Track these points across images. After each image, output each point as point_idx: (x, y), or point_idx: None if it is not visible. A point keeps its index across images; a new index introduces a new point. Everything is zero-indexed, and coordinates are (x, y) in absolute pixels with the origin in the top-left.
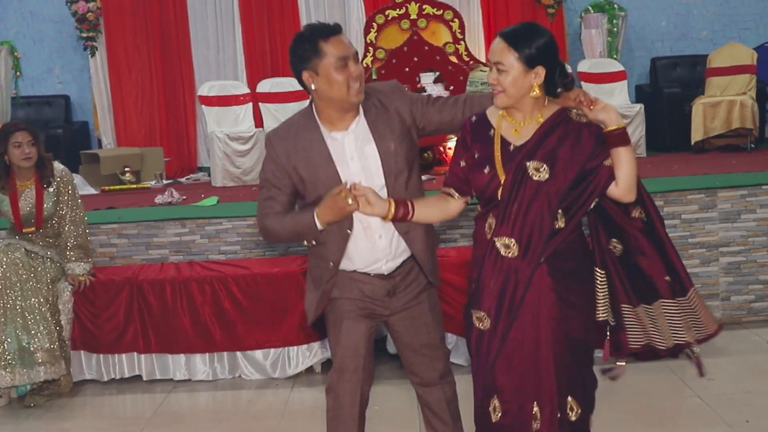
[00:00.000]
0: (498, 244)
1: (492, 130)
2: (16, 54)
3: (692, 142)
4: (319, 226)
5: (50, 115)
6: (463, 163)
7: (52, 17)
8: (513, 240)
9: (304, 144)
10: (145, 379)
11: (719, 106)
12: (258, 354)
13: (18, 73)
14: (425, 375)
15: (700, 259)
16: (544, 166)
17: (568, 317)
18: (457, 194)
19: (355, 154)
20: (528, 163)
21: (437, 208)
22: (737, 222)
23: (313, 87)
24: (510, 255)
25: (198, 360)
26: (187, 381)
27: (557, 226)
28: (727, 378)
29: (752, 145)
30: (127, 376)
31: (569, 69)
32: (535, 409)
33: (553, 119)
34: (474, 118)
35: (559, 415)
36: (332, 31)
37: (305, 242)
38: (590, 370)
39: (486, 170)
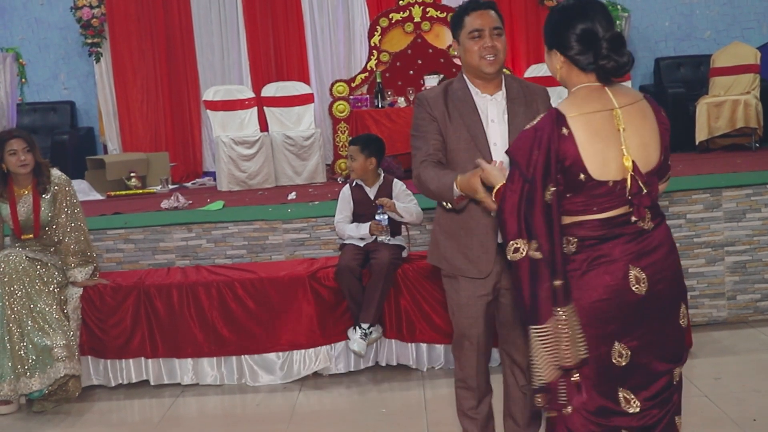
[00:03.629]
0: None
1: None
2: (21, 60)
3: (697, 142)
4: (456, 191)
5: (56, 121)
6: None
7: (57, 24)
8: None
9: (453, 96)
10: (152, 383)
11: (723, 106)
12: (266, 358)
13: (23, 80)
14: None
15: (705, 259)
16: None
17: None
18: None
19: (496, 118)
20: None
21: None
22: (742, 221)
23: (457, 53)
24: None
25: (205, 364)
26: (194, 385)
27: None
28: (734, 377)
29: (757, 144)
30: (134, 381)
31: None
32: None
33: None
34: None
35: None
36: (477, 6)
37: (445, 204)
38: None
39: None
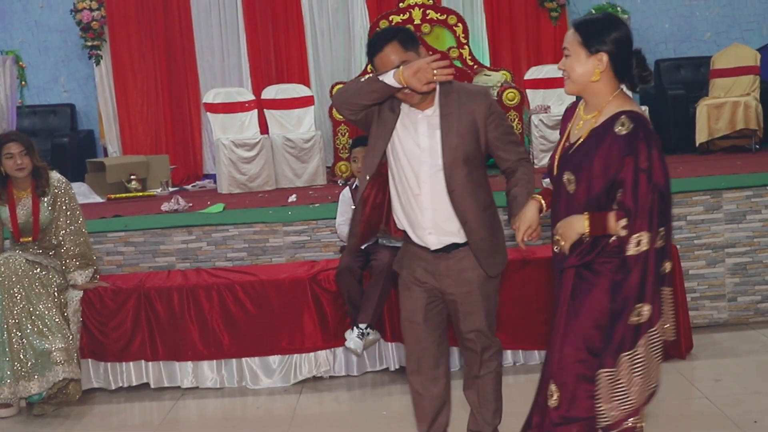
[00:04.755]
0: (555, 239)
1: (570, 122)
2: (21, 63)
3: (697, 144)
4: (393, 82)
5: (56, 124)
6: None
7: (57, 26)
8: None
9: (393, 105)
10: (153, 386)
11: (723, 108)
12: (266, 360)
13: (23, 83)
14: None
15: (706, 261)
16: (574, 177)
17: None
18: None
19: (426, 132)
20: (564, 173)
21: None
22: (743, 223)
23: None
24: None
25: (206, 367)
26: (195, 388)
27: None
28: (735, 379)
29: (757, 146)
30: (135, 384)
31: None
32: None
33: (604, 126)
34: (571, 105)
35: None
36: (376, 48)
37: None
38: None
39: (551, 160)
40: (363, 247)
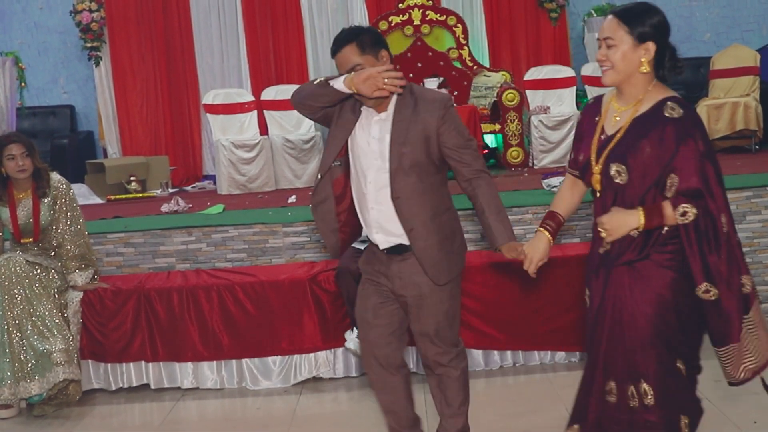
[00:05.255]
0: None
1: (598, 117)
2: (20, 65)
3: None
4: (343, 88)
5: (55, 125)
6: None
7: (57, 28)
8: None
9: (354, 106)
10: (153, 387)
11: (723, 108)
12: (266, 361)
13: (23, 84)
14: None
15: None
16: (624, 168)
17: None
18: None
19: (377, 135)
20: (611, 165)
21: (573, 194)
22: (743, 223)
23: None
24: (603, 251)
25: (206, 368)
26: (195, 389)
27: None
28: None
29: (757, 147)
30: (135, 384)
31: (572, 72)
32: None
33: (651, 112)
34: (592, 100)
35: None
36: (334, 51)
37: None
38: None
39: (581, 156)
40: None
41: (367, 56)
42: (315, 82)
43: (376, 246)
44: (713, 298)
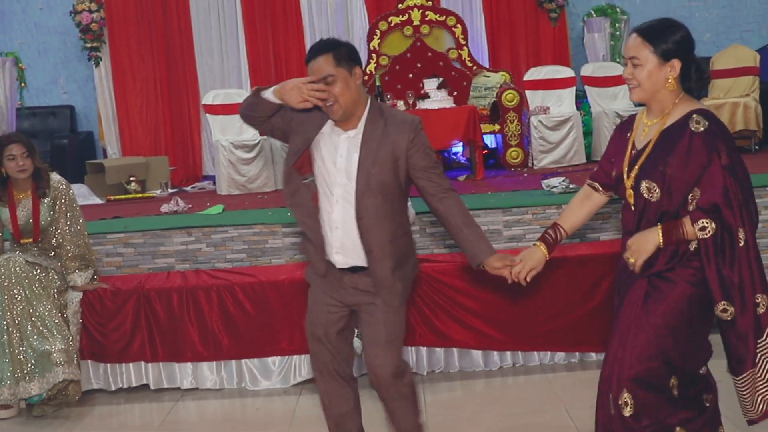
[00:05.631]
0: (625, 257)
1: (630, 132)
2: (20, 65)
3: None
4: (272, 98)
5: (55, 126)
6: (612, 159)
7: (57, 28)
8: None
9: (317, 119)
10: (152, 388)
11: (723, 108)
12: (265, 362)
13: (23, 84)
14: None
15: None
16: (654, 185)
17: None
18: (601, 188)
19: (345, 154)
20: (642, 182)
21: (582, 208)
22: None
23: None
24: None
25: (205, 368)
26: (194, 389)
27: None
28: None
29: (756, 147)
30: (134, 385)
31: (572, 72)
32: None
33: (678, 125)
34: (626, 118)
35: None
36: (309, 57)
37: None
38: None
39: (614, 173)
40: None
41: (341, 69)
42: (250, 93)
43: (332, 264)
44: (730, 318)
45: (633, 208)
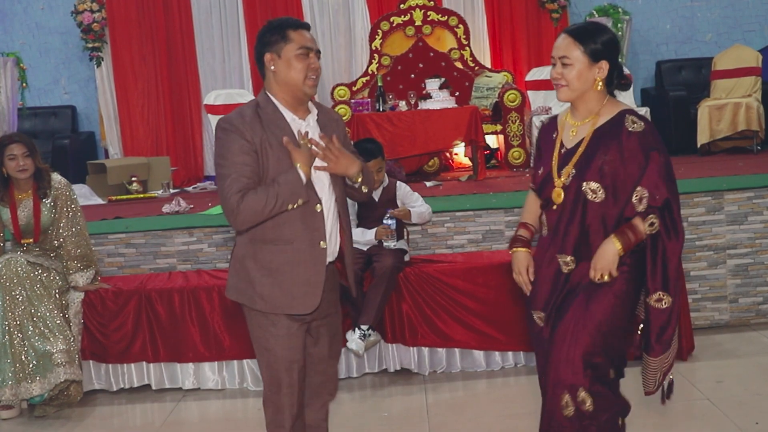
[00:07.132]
0: (560, 261)
1: (555, 133)
2: (22, 65)
3: (698, 145)
4: (303, 176)
5: (57, 126)
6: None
7: (58, 28)
8: (572, 258)
9: (268, 121)
10: (154, 388)
11: (725, 109)
12: None
13: (24, 84)
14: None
15: (707, 262)
16: (599, 186)
17: None
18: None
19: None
20: (586, 183)
21: (538, 205)
22: (744, 224)
23: (272, 68)
24: (568, 270)
25: (207, 369)
26: (196, 390)
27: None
28: (736, 380)
29: (758, 147)
30: (136, 385)
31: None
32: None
33: (611, 124)
34: (547, 120)
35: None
36: (301, 24)
37: (290, 207)
38: None
39: (541, 170)
40: (365, 249)
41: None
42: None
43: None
44: (665, 306)
45: (555, 207)
